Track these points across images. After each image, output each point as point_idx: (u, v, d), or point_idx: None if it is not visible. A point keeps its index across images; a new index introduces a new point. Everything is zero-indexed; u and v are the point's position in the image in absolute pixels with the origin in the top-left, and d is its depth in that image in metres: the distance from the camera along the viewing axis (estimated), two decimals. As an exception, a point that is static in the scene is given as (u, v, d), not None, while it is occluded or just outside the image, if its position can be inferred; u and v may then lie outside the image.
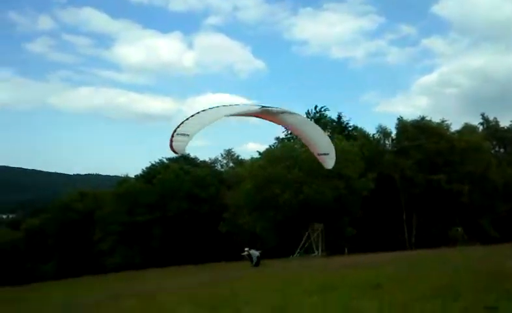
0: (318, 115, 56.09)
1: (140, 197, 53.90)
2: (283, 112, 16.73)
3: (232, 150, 61.87)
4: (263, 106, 15.88)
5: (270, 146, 54.16)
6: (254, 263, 30.84)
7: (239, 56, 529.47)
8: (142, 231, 52.74)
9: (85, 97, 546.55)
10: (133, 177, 63.31)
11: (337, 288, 12.55)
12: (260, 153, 52.38)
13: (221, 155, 62.00)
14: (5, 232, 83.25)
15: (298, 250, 42.54)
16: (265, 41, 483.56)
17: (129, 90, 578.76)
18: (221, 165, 62.11)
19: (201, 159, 64.99)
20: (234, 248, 49.50)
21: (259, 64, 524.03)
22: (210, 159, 63.26)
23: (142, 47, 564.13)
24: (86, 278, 41.18)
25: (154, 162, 62.02)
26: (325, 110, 56.78)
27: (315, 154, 17.94)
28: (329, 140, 18.45)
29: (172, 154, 63.55)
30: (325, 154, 17.54)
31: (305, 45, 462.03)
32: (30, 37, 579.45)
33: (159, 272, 35.91)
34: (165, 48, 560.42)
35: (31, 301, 24.10)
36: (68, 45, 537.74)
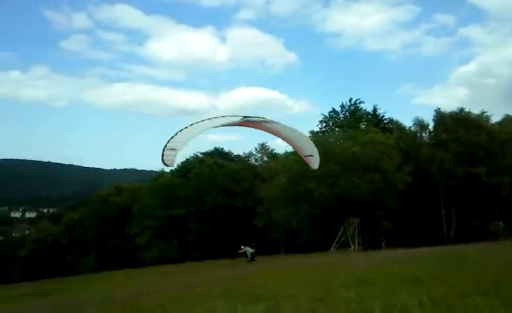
0: (352, 107, 55.41)
1: (175, 192, 54.41)
2: (266, 121, 18.03)
3: (266, 144, 61.83)
4: (245, 116, 17.40)
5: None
6: (249, 258, 33.17)
7: (271, 49, 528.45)
8: (178, 226, 53.29)
9: (120, 93, 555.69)
10: (168, 171, 64.03)
11: (376, 283, 12.31)
12: (294, 147, 52.17)
13: (255, 149, 62.08)
14: (47, 226, 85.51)
15: (334, 245, 42.25)
16: (297, 34, 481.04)
17: (162, 86, 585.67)
18: (255, 159, 62.13)
19: (235, 153, 65.25)
20: (270, 242, 49.58)
21: (292, 57, 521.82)
22: (244, 153, 63.48)
23: (176, 43, 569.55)
24: (125, 271, 41.86)
25: (188, 157, 62.59)
26: (360, 103, 56.11)
27: (302, 156, 19.65)
28: (312, 143, 19.92)
29: (206, 149, 64.48)
30: (310, 155, 19.21)
31: (338, 38, 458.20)
32: (66, 34, 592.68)
33: (196, 266, 36.19)
34: (198, 43, 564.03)
35: (72, 293, 24.64)
36: (102, 42, 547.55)
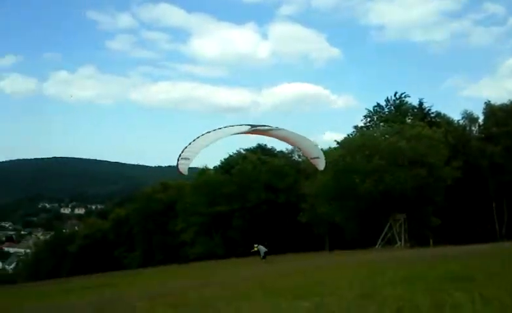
0: (398, 101, 54.28)
1: (219, 188, 54.77)
2: (271, 129, 19.40)
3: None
4: (252, 126, 19.08)
5: (348, 135, 53.18)
6: (262, 257, 34.59)
7: (314, 44, 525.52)
8: (222, 222, 53.64)
9: (164, 91, 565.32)
10: (211, 168, 64.50)
11: (424, 279, 11.98)
12: (338, 142, 51.56)
13: (299, 145, 61.69)
14: (95, 222, 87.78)
15: (380, 241, 41.60)
16: (340, 28, 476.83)
17: (205, 83, 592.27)
18: (299, 155, 61.60)
19: (278, 149, 65.00)
20: (315, 238, 49.27)
21: (335, 51, 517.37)
22: (287, 149, 63.10)
23: (218, 40, 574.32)
24: (170, 267, 42.46)
25: (231, 153, 62.86)
26: (405, 96, 54.88)
27: (309, 158, 21.37)
28: (318, 146, 22.24)
29: (250, 145, 64.55)
30: (317, 158, 20.80)
31: (382, 30, 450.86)
32: (111, 35, 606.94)
33: (240, 262, 36.34)
34: (240, 40, 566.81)
35: (121, 287, 25.16)
36: (146, 41, 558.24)
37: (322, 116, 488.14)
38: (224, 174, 57.55)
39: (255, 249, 36.89)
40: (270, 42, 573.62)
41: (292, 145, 24.04)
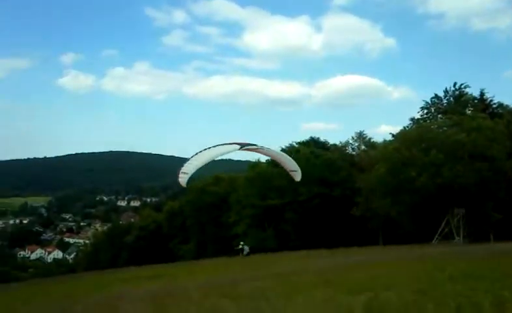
0: (457, 92, 52.38)
1: (271, 181, 54.73)
2: (257, 147, 23.82)
3: (364, 132, 60.29)
4: (241, 144, 22.40)
5: (404, 127, 51.89)
6: (246, 254, 38.20)
7: (368, 35, 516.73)
8: (274, 215, 53.63)
9: (217, 85, 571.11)
10: (264, 161, 64.55)
11: (485, 277, 11.55)
12: (393, 135, 50.47)
13: (352, 138, 60.70)
14: (150, 214, 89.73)
15: (437, 236, 40.46)
16: (396, 18, 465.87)
17: (258, 77, 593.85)
18: (353, 148, 60.82)
19: (331, 142, 64.32)
20: (368, 232, 48.48)
21: (390, 42, 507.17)
22: (340, 142, 62.38)
23: (271, 33, 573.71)
24: (223, 258, 42.80)
25: (284, 146, 62.64)
26: (465, 87, 52.85)
27: (288, 171, 25.55)
28: (293, 161, 25.74)
29: (302, 138, 64.21)
30: (294, 171, 24.93)
31: (441, 19, 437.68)
32: (166, 31, 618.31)
33: (293, 256, 36.17)
34: (293, 32, 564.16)
35: (176, 278, 25.61)
36: (200, 36, 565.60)
37: (376, 108, 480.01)
38: (276, 167, 57.45)
39: (240, 247, 41.59)
40: (323, 34, 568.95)
41: (274, 159, 29.52)
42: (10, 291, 35.55)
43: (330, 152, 59.00)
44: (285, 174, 54.47)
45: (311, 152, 56.71)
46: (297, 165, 24.96)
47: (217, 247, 59.78)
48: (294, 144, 62.52)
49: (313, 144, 62.00)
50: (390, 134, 51.90)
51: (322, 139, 65.16)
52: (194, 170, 21.08)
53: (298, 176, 25.03)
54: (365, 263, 21.57)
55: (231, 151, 22.97)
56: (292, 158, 55.19)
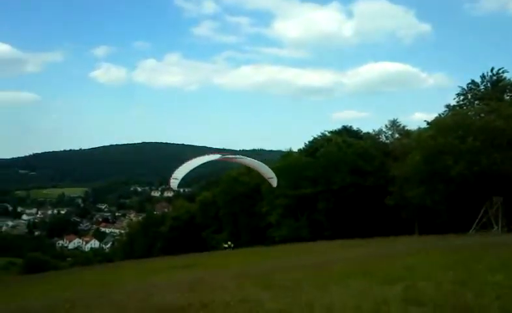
0: (495, 78, 50.84)
1: (304, 171, 54.51)
2: (237, 157, 30.60)
3: (398, 120, 59.23)
4: (222, 154, 29.34)
5: (439, 115, 50.77)
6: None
7: (402, 21, 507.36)
8: (307, 204, 53.43)
9: (247, 75, 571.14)
10: (296, 150, 64.32)
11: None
12: (428, 123, 49.38)
13: (386, 126, 59.74)
14: (183, 204, 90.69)
15: (475, 226, 39.61)
16: (430, 2, 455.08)
17: (289, 66, 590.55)
18: (386, 137, 59.83)
19: (364, 131, 63.57)
20: (403, 222, 47.81)
21: (424, 27, 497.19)
22: (373, 130, 61.51)
23: (302, 21, 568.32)
24: (256, 248, 43.03)
25: (316, 135, 62.32)
26: (503, 72, 51.19)
27: (266, 178, 29.06)
28: (270, 169, 28.83)
29: (333, 127, 63.72)
30: (271, 178, 28.30)
31: (477, 3, 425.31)
32: (196, 21, 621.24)
33: (326, 245, 36.09)
34: (324, 20, 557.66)
35: (210, 267, 25.85)
36: (230, 26, 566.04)
37: (410, 96, 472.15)
38: (308, 156, 57.16)
39: (226, 246, 46.68)
40: (354, 21, 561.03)
41: (252, 168, 31.76)
42: (51, 279, 36.57)
43: (363, 140, 58.27)
44: (318, 163, 54.49)
45: (343, 141, 56.17)
46: (273, 173, 28.34)
47: (250, 236, 60.02)
48: (326, 133, 62.09)
49: (346, 133, 61.41)
50: (425, 121, 50.76)
51: (354, 127, 64.53)
52: (182, 175, 25.16)
53: (274, 182, 28.38)
54: (401, 252, 21.31)
55: (212, 159, 29.09)
56: (324, 147, 55.53)
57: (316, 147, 58.53)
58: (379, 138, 60.05)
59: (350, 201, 50.92)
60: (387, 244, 30.80)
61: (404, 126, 58.84)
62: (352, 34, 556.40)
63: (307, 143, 62.63)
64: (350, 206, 50.85)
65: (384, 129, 59.69)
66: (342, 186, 51.30)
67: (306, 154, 58.93)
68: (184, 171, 25.06)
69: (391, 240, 34.49)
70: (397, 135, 58.33)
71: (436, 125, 46.22)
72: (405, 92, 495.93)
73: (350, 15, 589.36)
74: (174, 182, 24.93)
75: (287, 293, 10.57)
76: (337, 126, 64.58)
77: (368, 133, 62.11)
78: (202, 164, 27.20)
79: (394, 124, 58.81)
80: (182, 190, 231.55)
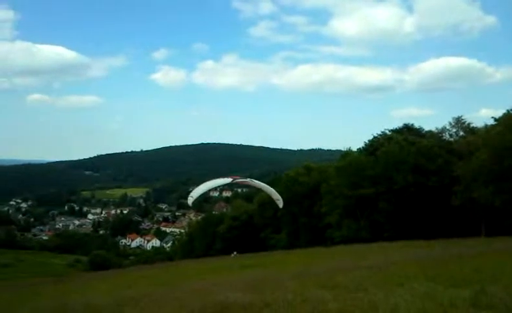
0: None
1: (363, 170, 53.63)
2: (247, 180, 34.75)
3: (462, 117, 57.11)
4: (233, 178, 32.21)
5: (508, 111, 48.50)
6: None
7: (465, 14, 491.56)
8: (367, 204, 52.52)
9: (305, 74, 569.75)
10: (355, 150, 63.36)
11: None
12: (496, 119, 47.35)
13: (450, 124, 57.69)
14: (241, 204, 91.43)
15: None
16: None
17: (347, 64, 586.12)
18: (450, 135, 57.77)
19: (427, 129, 61.72)
20: (469, 223, 46.12)
21: (490, 19, 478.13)
22: (436, 129, 59.55)
23: (359, 18, 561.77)
24: (316, 249, 42.74)
25: (376, 134, 61.10)
26: None
27: (273, 199, 32.06)
28: (275, 191, 32.55)
29: (393, 126, 62.23)
30: (278, 199, 31.21)
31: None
32: (253, 22, 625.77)
33: (387, 246, 35.30)
34: (383, 16, 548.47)
35: (270, 267, 25.88)
36: (287, 25, 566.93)
37: (476, 91, 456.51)
38: (368, 156, 56.14)
39: (233, 255, 49.77)
40: (415, 16, 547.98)
41: (262, 189, 36.68)
42: (115, 276, 37.79)
43: (426, 139, 56.59)
44: (379, 163, 53.37)
45: (404, 139, 54.78)
46: (279, 195, 31.74)
47: (309, 237, 59.69)
48: (387, 131, 60.76)
49: (407, 131, 59.82)
50: (492, 117, 48.62)
51: (416, 125, 62.77)
52: (197, 195, 28.58)
53: (280, 204, 31.57)
54: (467, 254, 20.55)
55: (225, 183, 32.61)
56: (385, 145, 54.40)
57: (376, 146, 57.40)
58: (442, 136, 58.13)
59: (412, 202, 49.58)
60: (452, 245, 29.72)
61: (469, 124, 56.67)
62: (413, 30, 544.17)
63: (366, 142, 61.57)
64: (411, 206, 49.53)
65: (447, 127, 57.74)
66: (404, 186, 50.03)
67: (366, 154, 57.92)
68: (200, 191, 28.55)
69: (456, 242, 33.26)
70: (461, 133, 56.27)
71: (504, 121, 44.27)
72: (470, 88, 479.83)
73: (410, 10, 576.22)
74: (190, 200, 29.09)
75: (349, 294, 10.41)
76: (397, 125, 63.01)
77: (431, 131, 60.26)
78: (216, 187, 33.76)
79: (459, 121, 56.73)
80: (240, 190, 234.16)
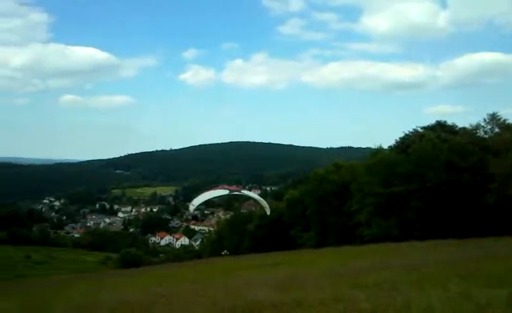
0: None
1: (395, 168, 52.90)
2: (242, 192, 40.69)
3: (497, 114, 55.73)
4: (230, 191, 36.84)
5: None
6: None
7: (501, 7, 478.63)
8: (398, 203, 51.82)
9: (335, 72, 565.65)
10: (386, 147, 62.59)
11: None
12: (532, 115, 46.15)
13: (484, 120, 56.35)
14: (270, 203, 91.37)
15: None
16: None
17: (378, 61, 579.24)
18: (485, 132, 56.45)
19: (460, 126, 60.50)
20: (504, 221, 44.98)
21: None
22: (470, 125, 58.28)
23: (391, 15, 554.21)
24: (346, 247, 42.40)
25: (407, 132, 60.19)
26: None
27: (262, 206, 38.22)
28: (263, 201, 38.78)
29: (425, 123, 61.13)
30: (265, 207, 36.50)
31: None
32: (282, 20, 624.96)
33: (419, 245, 34.70)
34: (415, 11, 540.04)
35: (299, 265, 25.74)
36: (316, 23, 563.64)
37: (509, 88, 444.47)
38: (400, 153, 55.34)
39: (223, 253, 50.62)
40: (449, 10, 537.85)
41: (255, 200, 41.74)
42: (145, 273, 38.21)
43: (459, 136, 55.47)
44: (411, 160, 52.54)
45: (437, 136, 53.81)
46: (266, 203, 37.93)
47: (338, 235, 59.23)
48: (419, 129, 59.75)
49: (440, 128, 58.71)
50: (528, 114, 47.48)
51: (449, 122, 61.55)
52: (198, 204, 32.98)
53: (268, 211, 37.20)
54: (502, 254, 20.04)
55: (222, 194, 36.87)
56: (417, 143, 53.54)
57: (408, 143, 56.56)
58: (477, 133, 56.90)
59: (444, 200, 48.66)
60: (486, 245, 28.99)
61: (505, 120, 55.27)
62: (447, 25, 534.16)
63: (397, 139, 60.70)
64: (443, 204, 48.62)
65: (482, 123, 56.46)
66: (436, 184, 49.12)
67: (397, 151, 57.13)
68: (200, 201, 32.68)
69: (491, 241, 32.45)
70: (497, 130, 54.95)
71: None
72: (505, 84, 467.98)
73: (443, 5, 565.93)
74: (191, 207, 33.99)
75: (382, 293, 10.24)
76: (429, 122, 61.92)
77: (464, 128, 59.06)
78: (214, 197, 38.32)
79: (494, 117, 55.36)
80: (268, 188, 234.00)
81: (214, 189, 35.51)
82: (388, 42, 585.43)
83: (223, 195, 38.41)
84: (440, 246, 31.35)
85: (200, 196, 32.20)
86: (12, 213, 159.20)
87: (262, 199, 37.66)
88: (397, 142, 60.50)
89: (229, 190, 36.07)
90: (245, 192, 39.48)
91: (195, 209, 34.73)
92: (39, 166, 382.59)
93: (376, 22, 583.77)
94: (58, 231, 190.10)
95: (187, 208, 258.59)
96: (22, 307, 14.47)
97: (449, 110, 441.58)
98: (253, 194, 38.93)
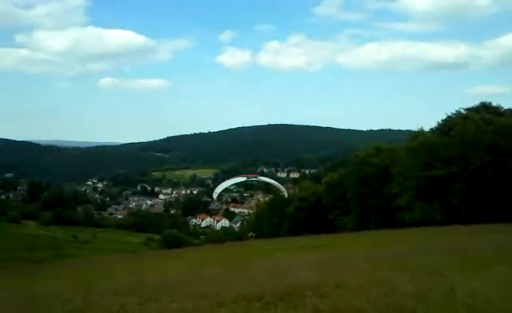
0: None
1: (437, 151, 51.80)
2: (258, 178, 58.85)
3: (545, 94, 53.82)
4: (248, 178, 51.59)
5: None
6: None
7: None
8: (440, 186, 50.82)
9: (372, 52, 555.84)
10: (427, 130, 61.27)
11: None
12: None
13: (531, 101, 54.59)
14: (309, 185, 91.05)
15: None
16: None
17: (417, 40, 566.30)
18: (533, 111, 54.58)
19: (506, 107, 58.61)
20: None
21: None
22: (517, 105, 56.48)
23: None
24: (386, 231, 41.96)
25: (450, 113, 58.74)
26: None
27: (281, 189, 48.21)
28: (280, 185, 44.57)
29: (467, 104, 59.43)
30: (282, 191, 47.08)
31: None
32: (318, 0, 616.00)
33: (462, 229, 34.03)
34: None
35: (339, 248, 25.66)
36: (353, 3, 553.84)
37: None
38: (442, 136, 54.09)
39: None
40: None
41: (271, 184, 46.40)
42: (187, 254, 38.89)
43: (504, 117, 53.76)
44: (454, 143, 51.32)
45: (481, 118, 52.30)
46: (283, 188, 41.21)
47: (379, 219, 58.65)
48: (462, 110, 58.22)
49: (484, 109, 57.04)
50: None
51: (494, 103, 59.70)
52: (220, 190, 36.86)
53: (285, 194, 38.84)
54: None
55: (242, 180, 40.47)
56: (460, 125, 52.23)
57: (450, 125, 55.20)
58: (524, 114, 55.04)
59: (489, 183, 47.40)
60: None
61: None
62: (489, 3, 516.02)
63: (439, 121, 59.32)
64: (488, 188, 47.36)
65: (529, 104, 54.58)
66: (480, 167, 47.85)
67: (439, 134, 55.85)
68: (222, 188, 37.28)
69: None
70: (545, 110, 53.06)
71: None
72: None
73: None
74: (214, 195, 37.60)
75: (425, 277, 10.11)
76: (473, 103, 60.19)
77: (510, 109, 57.23)
78: (233, 184, 36.37)
79: (541, 98, 53.47)
80: (307, 171, 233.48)
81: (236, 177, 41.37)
82: (428, 21, 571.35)
83: (241, 182, 46.58)
84: (485, 231, 30.60)
85: (221, 184, 35.95)
86: (57, 195, 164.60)
87: (278, 183, 39.35)
88: (439, 124, 59.15)
89: (246, 177, 43.76)
90: (262, 178, 45.59)
91: (218, 197, 40.65)
92: (83, 149, 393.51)
93: (415, 1, 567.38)
94: (102, 212, 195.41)
95: (227, 190, 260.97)
96: (73, 285, 15.00)
97: (494, 91, 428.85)
98: (270, 180, 44.51)
